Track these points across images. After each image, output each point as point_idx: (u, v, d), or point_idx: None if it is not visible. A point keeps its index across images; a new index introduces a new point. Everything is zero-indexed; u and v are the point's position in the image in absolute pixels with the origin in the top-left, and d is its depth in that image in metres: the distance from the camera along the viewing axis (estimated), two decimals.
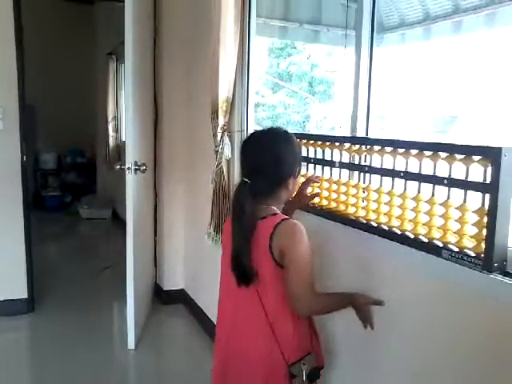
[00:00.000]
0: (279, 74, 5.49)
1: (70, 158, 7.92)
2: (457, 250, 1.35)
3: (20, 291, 3.69)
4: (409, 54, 3.21)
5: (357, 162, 1.81)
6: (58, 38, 7.39)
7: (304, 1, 3.30)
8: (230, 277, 1.63)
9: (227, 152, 2.87)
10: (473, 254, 1.30)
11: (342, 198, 1.85)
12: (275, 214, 1.60)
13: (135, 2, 2.97)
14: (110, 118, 6.67)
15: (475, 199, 1.32)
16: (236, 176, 2.95)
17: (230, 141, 2.89)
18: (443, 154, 1.40)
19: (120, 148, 6.38)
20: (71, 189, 7.77)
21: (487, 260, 1.25)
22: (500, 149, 1.21)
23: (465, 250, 1.33)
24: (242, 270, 1.58)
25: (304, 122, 4.95)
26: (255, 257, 1.57)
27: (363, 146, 1.74)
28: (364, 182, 1.79)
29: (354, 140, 1.83)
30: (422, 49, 3.06)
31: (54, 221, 7.01)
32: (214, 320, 3.21)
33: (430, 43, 2.98)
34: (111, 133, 6.69)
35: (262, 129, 1.74)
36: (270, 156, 1.61)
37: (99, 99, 7.30)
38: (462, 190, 1.35)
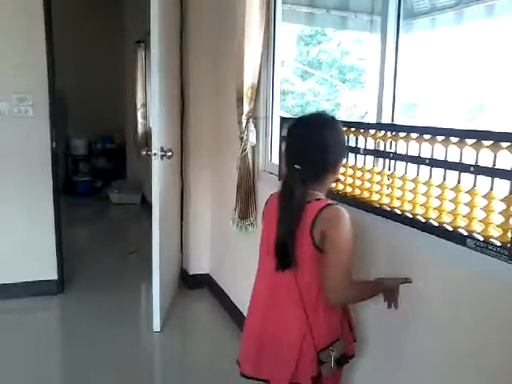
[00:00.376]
0: (309, 61, 5.44)
1: (100, 144, 8.04)
2: (482, 239, 1.32)
3: (50, 273, 3.80)
4: (440, 39, 3.14)
5: (382, 149, 1.78)
6: (88, 27, 7.46)
7: None
8: (269, 260, 1.64)
9: (252, 138, 2.87)
10: (498, 244, 1.27)
11: (367, 184, 1.83)
12: (319, 199, 1.58)
13: None
14: (138, 105, 6.72)
15: (503, 187, 1.29)
16: (261, 162, 2.96)
17: (255, 127, 2.89)
18: (470, 141, 1.37)
19: (148, 134, 6.43)
20: (101, 174, 7.90)
21: None
22: None
23: (490, 240, 1.30)
24: (285, 255, 1.58)
25: (334, 109, 4.90)
26: (298, 241, 1.56)
27: (388, 133, 1.72)
28: (389, 169, 1.77)
29: (379, 126, 1.81)
30: (454, 34, 2.98)
31: (85, 205, 7.15)
32: (238, 304, 3.29)
33: (461, 28, 2.90)
34: (140, 119, 6.73)
35: (305, 114, 1.72)
36: (322, 142, 1.59)
37: (128, 86, 7.36)
38: (489, 178, 1.32)
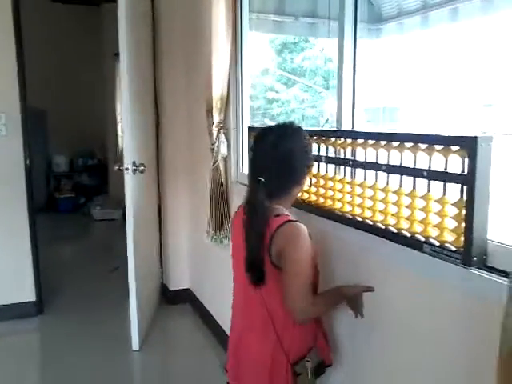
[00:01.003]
0: (293, 68, 5.44)
1: (81, 160, 7.99)
2: (437, 244, 1.30)
3: (28, 294, 3.73)
4: (408, 43, 3.15)
5: (343, 156, 1.76)
6: (66, 41, 7.43)
7: None
8: (241, 275, 1.61)
9: (223, 149, 2.85)
10: (453, 248, 1.26)
11: (329, 193, 1.81)
12: (279, 215, 1.54)
13: (128, 2, 2.96)
14: (118, 118, 6.70)
15: (456, 191, 1.27)
16: (233, 173, 2.93)
17: (227, 138, 2.87)
18: (423, 146, 1.36)
19: None
20: (84, 190, 7.83)
21: (466, 254, 1.21)
22: (476, 138, 1.17)
23: (445, 244, 1.28)
24: (255, 269, 1.55)
25: (319, 116, 4.90)
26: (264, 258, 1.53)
27: (348, 140, 1.70)
28: (350, 177, 1.75)
29: (338, 134, 1.79)
30: (421, 37, 2.99)
31: (67, 222, 7.06)
32: (219, 320, 3.25)
33: (427, 31, 2.91)
34: (120, 134, 6.71)
35: (271, 125, 1.69)
36: (284, 153, 1.56)
37: (108, 100, 7.33)
38: (442, 183, 1.30)
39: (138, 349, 3.17)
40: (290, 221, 1.53)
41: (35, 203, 3.83)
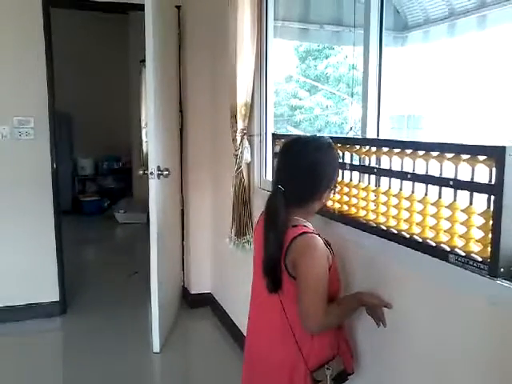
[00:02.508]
0: (317, 75, 5.44)
1: (106, 163, 8.13)
2: (463, 254, 1.29)
3: (52, 294, 3.80)
4: (434, 51, 3.12)
5: (367, 164, 1.76)
6: (94, 48, 7.59)
7: (324, 2, 3.26)
8: (259, 280, 1.62)
9: (247, 155, 2.86)
10: (479, 259, 1.24)
11: (353, 200, 1.81)
12: (296, 226, 1.54)
13: (155, 11, 3.01)
14: (143, 124, 6.78)
15: (482, 201, 1.26)
16: (256, 179, 2.95)
17: (250, 144, 2.89)
18: (449, 155, 1.35)
19: None
20: (108, 194, 7.96)
21: (493, 265, 1.20)
22: (504, 148, 1.16)
23: (471, 255, 1.27)
24: (272, 276, 1.56)
25: (342, 123, 4.89)
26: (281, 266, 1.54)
27: (372, 148, 1.70)
28: (376, 185, 1.75)
29: (363, 141, 1.78)
30: (447, 45, 2.97)
31: (91, 225, 7.18)
32: (239, 324, 3.26)
33: (454, 40, 2.89)
34: (145, 138, 6.78)
35: (300, 135, 1.69)
36: (311, 166, 1.55)
37: (133, 106, 7.44)
38: (468, 192, 1.29)
39: (158, 351, 3.20)
40: (305, 232, 1.53)
41: (60, 205, 3.90)
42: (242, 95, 2.78)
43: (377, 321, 1.64)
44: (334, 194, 1.81)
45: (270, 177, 2.82)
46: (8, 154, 3.62)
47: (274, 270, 1.55)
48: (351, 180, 1.84)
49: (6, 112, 3.58)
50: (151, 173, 3.10)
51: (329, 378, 1.59)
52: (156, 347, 3.20)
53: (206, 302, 3.93)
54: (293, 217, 1.57)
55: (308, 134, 1.68)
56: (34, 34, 3.57)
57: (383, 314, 1.62)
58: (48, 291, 3.79)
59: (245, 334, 3.00)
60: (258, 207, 2.84)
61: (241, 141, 2.86)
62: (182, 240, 4.07)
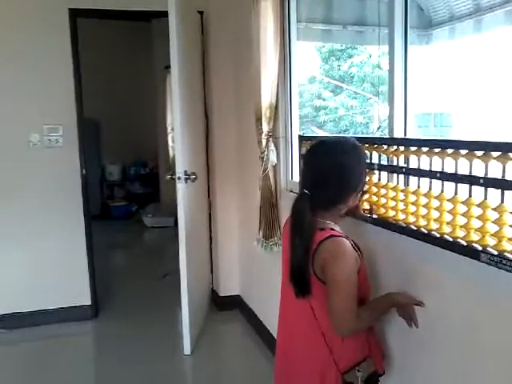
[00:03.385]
0: (340, 76, 5.43)
1: (133, 169, 8.25)
2: (496, 253, 1.27)
3: (84, 298, 3.88)
4: (460, 48, 3.09)
5: (395, 164, 1.75)
6: (119, 55, 7.72)
7: (346, 2, 3.25)
8: (287, 284, 1.62)
9: (273, 158, 2.88)
10: None
11: (382, 200, 1.80)
12: (323, 229, 1.54)
13: (178, 17, 3.05)
14: (169, 129, 6.85)
15: None
16: (282, 182, 2.96)
17: (276, 147, 2.90)
18: (479, 153, 1.33)
19: None
20: (136, 199, 8.07)
21: None
22: None
23: (504, 254, 1.25)
24: (300, 282, 1.56)
25: (367, 123, 4.86)
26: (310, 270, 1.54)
27: (400, 147, 1.69)
28: (403, 185, 1.74)
29: (390, 141, 1.78)
30: (473, 42, 2.93)
31: (120, 229, 7.30)
32: (269, 326, 3.27)
33: (481, 36, 2.85)
34: (171, 143, 6.85)
35: (328, 137, 1.68)
36: (337, 169, 1.54)
37: (159, 111, 7.52)
38: (499, 190, 1.28)
39: (189, 353, 3.24)
40: (332, 236, 1.52)
41: (90, 211, 3.98)
42: (267, 98, 2.79)
43: (408, 321, 1.63)
44: (362, 196, 1.79)
45: (296, 179, 2.83)
46: (38, 161, 3.72)
47: (301, 274, 1.54)
48: (379, 180, 1.83)
49: (36, 120, 3.68)
50: (178, 177, 3.13)
51: (360, 379, 1.59)
52: (187, 349, 3.24)
53: (235, 304, 3.95)
54: (320, 220, 1.56)
55: (333, 136, 1.68)
56: (62, 44, 3.66)
57: (415, 313, 1.61)
58: (80, 295, 3.86)
59: (274, 336, 3.03)
60: (285, 209, 2.85)
61: (266, 143, 2.87)
62: (210, 243, 4.10)
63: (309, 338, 1.62)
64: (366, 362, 1.63)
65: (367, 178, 1.83)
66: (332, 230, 1.56)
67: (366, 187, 1.86)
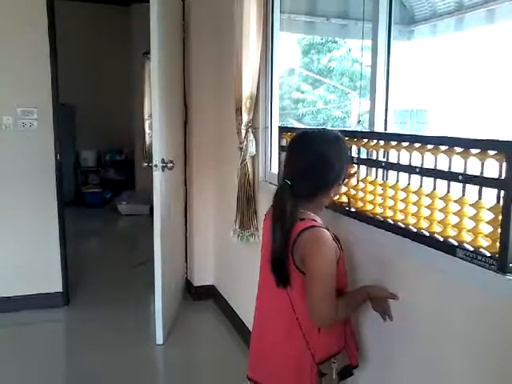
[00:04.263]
0: (320, 69, 5.43)
1: (109, 155, 8.13)
2: (472, 249, 1.29)
3: (55, 285, 3.81)
4: (441, 45, 3.11)
5: (374, 158, 1.76)
6: (96, 40, 7.57)
7: None
8: (266, 275, 1.61)
9: (251, 149, 2.86)
10: (488, 254, 1.24)
11: (360, 194, 1.81)
12: (303, 219, 1.54)
13: (160, 2, 3.00)
14: (146, 116, 6.77)
15: (490, 196, 1.26)
16: (261, 172, 2.94)
17: (255, 137, 2.88)
18: (459, 149, 1.34)
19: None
20: (111, 185, 7.96)
21: (502, 260, 1.19)
22: None
23: (480, 250, 1.27)
24: (281, 272, 1.55)
25: (345, 117, 4.88)
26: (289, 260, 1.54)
27: (380, 141, 1.69)
28: (382, 179, 1.75)
29: (370, 135, 1.78)
30: (454, 40, 2.95)
31: (94, 216, 7.20)
32: (242, 316, 3.27)
33: (462, 34, 2.87)
34: (148, 130, 6.77)
35: (311, 129, 1.68)
36: (319, 160, 1.54)
37: (136, 98, 7.42)
38: (477, 187, 1.29)
39: (161, 343, 3.21)
40: (313, 226, 1.52)
41: (64, 197, 3.90)
42: (247, 88, 2.77)
43: (383, 315, 1.65)
44: (344, 187, 1.81)
45: (275, 170, 2.82)
46: (11, 145, 3.63)
47: (282, 264, 1.54)
48: (358, 174, 1.84)
49: (9, 102, 3.58)
50: (155, 165, 3.09)
51: (335, 371, 1.60)
52: (159, 339, 3.22)
53: (210, 294, 3.94)
54: (301, 211, 1.56)
55: (315, 128, 1.68)
56: (39, 26, 3.57)
57: (389, 307, 1.63)
58: (51, 282, 3.80)
59: (248, 327, 3.04)
60: (263, 200, 2.85)
61: (246, 134, 2.85)
62: (186, 232, 4.07)
63: (285, 328, 1.61)
64: (341, 354, 1.64)
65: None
66: (313, 220, 1.56)
67: (345, 180, 1.87)
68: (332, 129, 1.66)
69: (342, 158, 1.60)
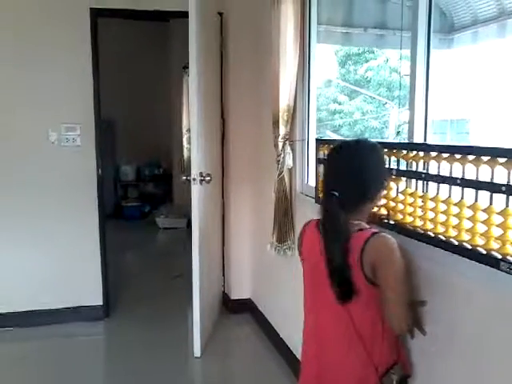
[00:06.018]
0: (356, 80, 5.41)
1: (148, 169, 8.27)
2: None
3: (96, 298, 3.88)
4: (483, 52, 3.04)
5: (414, 169, 1.72)
6: (137, 55, 7.74)
7: (367, 5, 3.23)
8: (315, 292, 1.61)
9: (288, 161, 2.86)
10: None
11: (400, 206, 1.77)
12: (362, 229, 1.55)
13: (198, 17, 3.05)
14: (184, 130, 6.87)
15: None
16: (298, 185, 2.93)
17: (292, 150, 2.88)
18: (501, 159, 1.30)
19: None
20: (149, 199, 8.09)
21: None
22: None
23: None
24: (344, 285, 1.52)
25: (382, 128, 4.83)
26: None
27: (420, 153, 1.66)
28: (422, 191, 1.71)
29: (409, 146, 1.75)
30: (497, 46, 2.88)
31: (133, 230, 7.31)
32: (279, 330, 3.24)
33: (504, 40, 2.80)
34: (186, 144, 6.86)
35: (349, 140, 1.71)
36: (361, 168, 1.57)
37: (174, 112, 7.55)
38: None
39: (199, 356, 3.22)
40: (377, 233, 1.53)
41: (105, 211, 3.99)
42: (285, 100, 2.78)
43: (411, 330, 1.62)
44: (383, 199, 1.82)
45: (312, 183, 2.80)
46: (55, 160, 3.74)
47: (344, 278, 1.51)
48: (398, 185, 1.80)
49: (54, 119, 3.71)
50: (194, 178, 3.13)
51: (395, 382, 1.60)
52: (197, 352, 3.22)
53: (246, 307, 3.93)
54: (351, 221, 1.55)
55: (352, 139, 1.68)
56: (82, 43, 3.69)
57: (421, 320, 1.61)
58: (92, 295, 3.87)
59: (284, 341, 3.01)
60: (300, 213, 2.83)
61: (283, 146, 2.85)
62: (223, 245, 4.09)
63: (347, 344, 1.60)
64: (398, 365, 1.63)
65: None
66: (370, 228, 1.57)
67: (385, 192, 1.84)
68: (367, 138, 1.66)
69: (382, 165, 1.64)
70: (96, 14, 3.71)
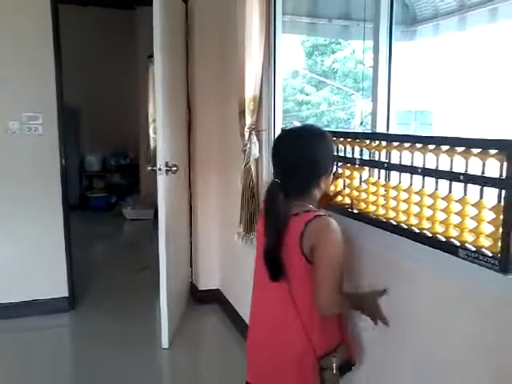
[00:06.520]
0: (323, 71, 5.43)
1: (113, 159, 8.14)
2: (473, 249, 1.28)
3: (61, 290, 3.81)
4: (443, 45, 3.10)
5: (376, 159, 1.75)
6: (101, 43, 7.59)
7: None
8: (262, 272, 1.63)
9: (255, 151, 2.86)
10: (489, 254, 1.24)
11: (363, 195, 1.80)
12: (308, 211, 1.57)
13: (163, 5, 3.01)
14: (150, 120, 6.78)
15: (492, 196, 1.26)
16: (264, 175, 2.94)
17: (258, 140, 2.88)
18: (460, 149, 1.34)
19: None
20: (115, 190, 7.98)
21: (504, 260, 1.19)
22: None
23: (481, 250, 1.26)
24: (273, 265, 1.58)
25: (349, 118, 4.87)
26: (287, 253, 1.56)
27: (382, 142, 1.69)
28: (386, 180, 1.74)
29: (372, 136, 1.78)
30: (457, 39, 2.95)
31: (99, 221, 7.21)
32: (247, 319, 3.24)
33: (464, 33, 2.86)
34: (152, 134, 6.78)
35: (295, 126, 1.72)
36: (303, 154, 1.59)
37: (140, 102, 7.44)
38: (479, 186, 1.29)
39: (167, 347, 3.21)
40: (320, 215, 1.56)
41: (69, 201, 3.91)
42: (250, 90, 2.77)
43: (374, 319, 1.65)
44: (334, 180, 1.87)
45: None
46: (17, 150, 3.63)
47: (275, 258, 1.57)
48: (361, 175, 1.83)
49: (15, 108, 3.60)
50: (159, 169, 3.10)
51: (335, 366, 1.61)
52: (165, 343, 3.22)
53: (215, 298, 3.94)
54: (296, 203, 1.59)
55: (299, 124, 1.71)
56: (43, 31, 3.57)
57: (381, 312, 1.63)
58: (57, 287, 3.80)
59: None
60: None
61: (249, 136, 2.85)
62: (190, 236, 4.07)
63: (285, 322, 1.62)
64: (340, 348, 1.65)
65: (348, 173, 1.85)
66: (316, 210, 1.59)
67: (348, 182, 1.87)
68: (313, 124, 1.69)
69: (328, 151, 1.66)
70: (56, 1, 3.60)
